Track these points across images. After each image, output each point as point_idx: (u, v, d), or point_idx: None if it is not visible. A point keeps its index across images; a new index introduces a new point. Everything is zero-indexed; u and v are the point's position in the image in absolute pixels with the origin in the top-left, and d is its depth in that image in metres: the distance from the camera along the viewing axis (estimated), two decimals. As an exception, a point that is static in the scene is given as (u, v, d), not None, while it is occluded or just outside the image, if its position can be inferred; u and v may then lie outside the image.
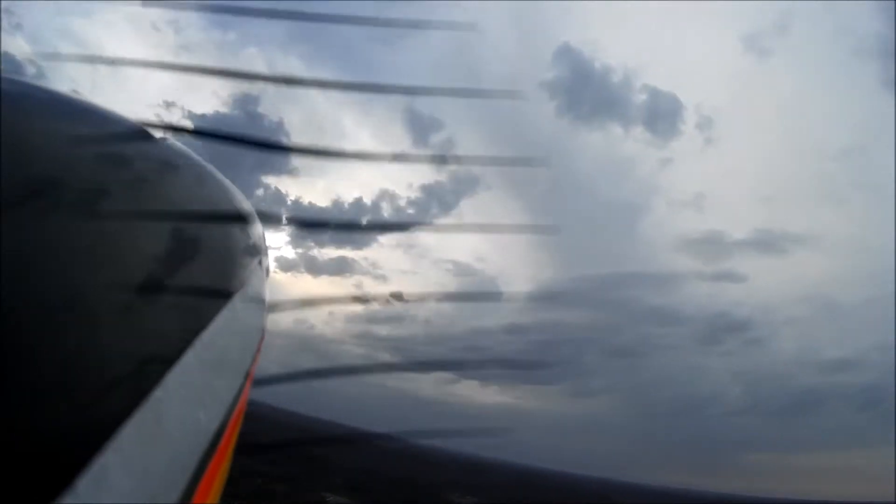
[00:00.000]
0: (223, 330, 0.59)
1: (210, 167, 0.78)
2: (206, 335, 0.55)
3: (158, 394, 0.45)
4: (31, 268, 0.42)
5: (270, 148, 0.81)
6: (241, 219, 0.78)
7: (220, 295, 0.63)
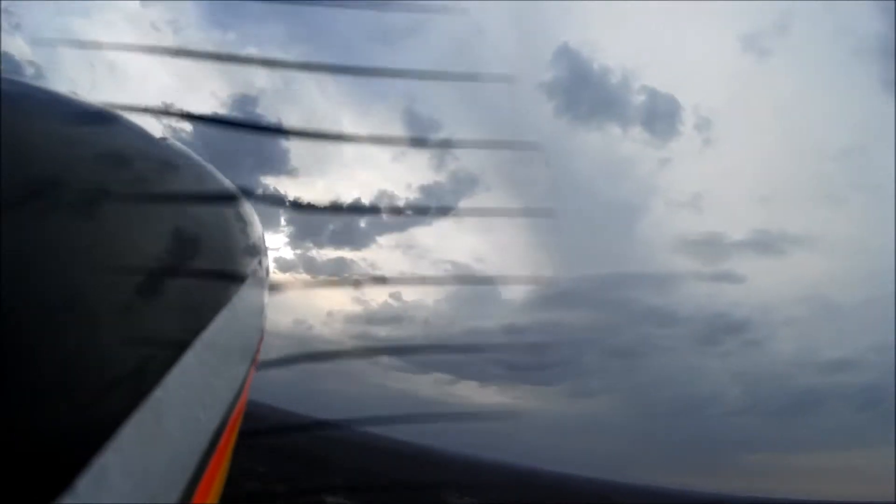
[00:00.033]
0: (223, 330, 0.59)
1: (210, 167, 0.78)
2: (206, 335, 0.55)
3: (158, 394, 0.45)
4: (31, 268, 0.42)
5: (267, 131, 0.81)
6: (240, 219, 0.78)
7: (220, 295, 0.63)
